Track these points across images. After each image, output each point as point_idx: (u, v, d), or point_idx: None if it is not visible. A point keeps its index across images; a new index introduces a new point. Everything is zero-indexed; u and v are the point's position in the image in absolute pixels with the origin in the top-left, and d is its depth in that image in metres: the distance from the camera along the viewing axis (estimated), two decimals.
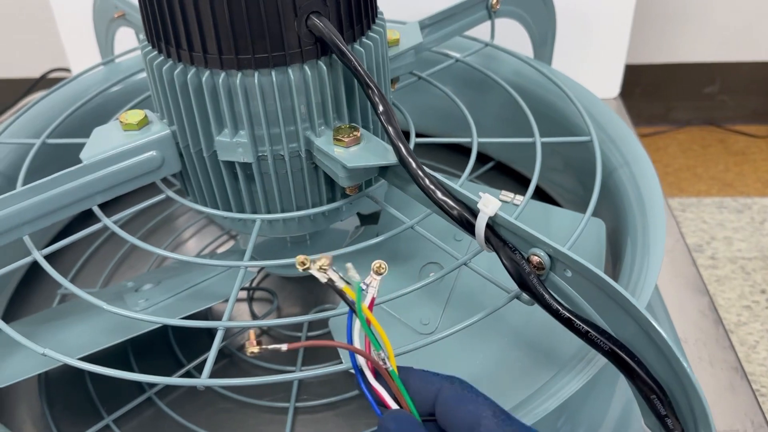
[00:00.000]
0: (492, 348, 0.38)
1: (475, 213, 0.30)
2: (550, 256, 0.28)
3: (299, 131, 0.34)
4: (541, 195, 0.57)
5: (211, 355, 0.30)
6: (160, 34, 0.33)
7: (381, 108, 0.32)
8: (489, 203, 0.29)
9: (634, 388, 0.26)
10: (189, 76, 0.33)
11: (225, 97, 0.33)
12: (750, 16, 0.90)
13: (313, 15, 0.31)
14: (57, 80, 1.12)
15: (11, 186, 0.48)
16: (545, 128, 0.46)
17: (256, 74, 0.32)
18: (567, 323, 0.26)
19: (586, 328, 0.26)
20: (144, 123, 0.35)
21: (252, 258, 0.35)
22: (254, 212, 0.37)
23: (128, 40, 0.58)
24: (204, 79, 0.32)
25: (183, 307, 0.38)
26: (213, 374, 0.29)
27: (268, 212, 0.37)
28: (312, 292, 0.52)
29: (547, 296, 0.27)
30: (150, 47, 0.35)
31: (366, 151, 0.33)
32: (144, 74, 0.52)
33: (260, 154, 0.35)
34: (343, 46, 0.31)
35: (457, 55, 0.51)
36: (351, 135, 0.33)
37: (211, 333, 0.46)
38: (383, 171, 0.35)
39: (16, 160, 0.49)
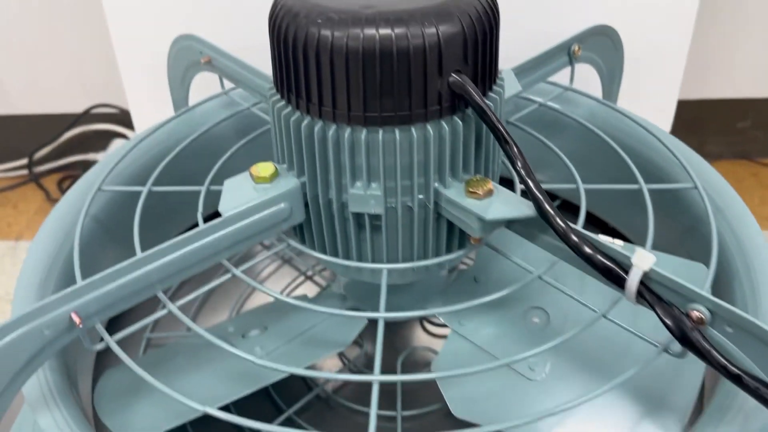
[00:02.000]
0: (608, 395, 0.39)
1: (624, 267, 0.31)
2: (710, 310, 0.28)
3: (430, 183, 0.35)
4: (617, 236, 0.57)
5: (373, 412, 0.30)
6: (300, 93, 0.34)
7: (520, 163, 0.33)
8: (644, 259, 0.30)
9: None
10: (331, 132, 0.33)
11: (365, 153, 0.33)
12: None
13: (454, 73, 0.32)
14: (100, 116, 1.14)
15: (109, 234, 0.49)
16: (622, 172, 0.47)
17: (396, 131, 0.33)
18: (735, 380, 0.27)
19: (755, 384, 0.27)
20: (275, 176, 0.36)
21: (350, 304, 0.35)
22: (373, 261, 0.38)
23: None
24: (346, 135, 0.33)
25: (304, 355, 0.38)
26: (309, 419, 0.29)
27: (388, 261, 0.38)
28: (398, 334, 0.52)
29: (714, 353, 0.27)
30: (279, 98, 0.36)
31: (502, 204, 0.34)
32: (228, 121, 0.54)
33: (389, 205, 0.35)
34: (483, 104, 0.32)
35: (540, 100, 0.52)
36: (485, 187, 0.34)
37: (305, 378, 0.47)
38: (510, 221, 0.35)
39: (110, 207, 0.49)
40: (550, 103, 0.52)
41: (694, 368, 0.37)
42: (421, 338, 0.51)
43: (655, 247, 0.54)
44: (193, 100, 0.58)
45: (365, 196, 0.35)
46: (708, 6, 0.68)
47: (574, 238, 0.31)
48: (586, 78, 0.56)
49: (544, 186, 0.40)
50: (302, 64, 0.33)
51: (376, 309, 0.45)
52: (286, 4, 0.34)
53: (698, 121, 0.91)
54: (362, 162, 0.34)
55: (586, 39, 0.52)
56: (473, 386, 0.40)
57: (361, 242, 0.37)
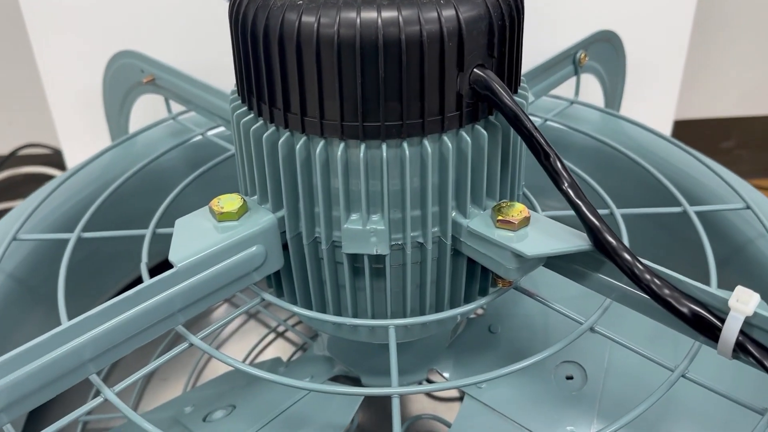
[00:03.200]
0: None
1: (716, 313, 0.23)
2: None
3: (447, 213, 0.27)
4: None
5: None
6: (273, 99, 0.25)
7: (567, 182, 0.25)
8: (746, 299, 0.22)
9: None
10: (318, 150, 0.25)
11: (363, 175, 0.25)
12: (765, 71, 0.89)
13: (477, 68, 0.25)
14: (28, 157, 1.02)
15: (31, 294, 0.39)
16: (638, 191, 0.41)
17: (404, 144, 0.25)
18: None
19: None
20: (244, 210, 0.28)
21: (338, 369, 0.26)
22: (373, 316, 0.30)
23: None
24: (338, 153, 0.25)
25: None
26: None
27: (392, 315, 0.29)
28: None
29: None
30: (245, 109, 0.27)
31: (544, 235, 0.26)
32: (177, 150, 0.45)
33: (394, 243, 0.27)
34: (516, 106, 0.25)
35: (545, 116, 0.45)
36: (519, 215, 0.26)
37: None
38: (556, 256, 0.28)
39: (32, 260, 0.40)
40: (553, 121, 0.45)
41: None
42: (423, 404, 0.43)
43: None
44: (134, 127, 0.49)
45: (364, 232, 0.27)
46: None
47: (649, 277, 0.24)
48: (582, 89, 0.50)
49: (555, 214, 0.33)
50: (277, 63, 0.25)
51: (372, 373, 0.36)
52: None
53: (682, 140, 0.87)
54: (360, 187, 0.26)
55: (589, 46, 0.46)
56: None
57: (358, 292, 0.29)
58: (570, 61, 0.45)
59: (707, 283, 0.27)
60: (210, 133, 0.45)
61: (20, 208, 0.40)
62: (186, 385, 0.45)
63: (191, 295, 0.26)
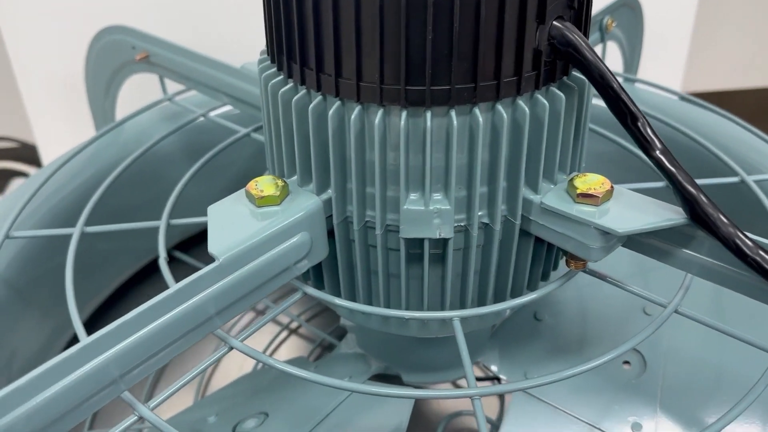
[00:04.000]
0: None
1: None
2: None
3: (519, 187, 0.24)
4: None
5: None
6: (317, 62, 0.22)
7: (659, 147, 0.22)
8: None
9: None
10: (377, 120, 0.22)
11: (429, 148, 0.22)
12: (754, 44, 0.88)
13: (557, 21, 0.22)
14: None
15: (22, 299, 0.35)
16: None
17: (476, 110, 0.22)
18: None
19: None
20: (285, 194, 0.24)
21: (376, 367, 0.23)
22: (429, 307, 0.26)
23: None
24: (402, 122, 0.22)
25: None
26: None
27: (451, 306, 0.26)
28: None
29: None
30: (282, 77, 0.24)
31: (630, 209, 0.23)
32: (174, 136, 0.41)
33: (457, 225, 0.24)
34: (602, 64, 0.22)
35: None
36: (602, 188, 0.23)
37: None
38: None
39: (19, 262, 0.35)
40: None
41: None
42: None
43: None
44: (120, 114, 0.45)
45: (426, 214, 0.23)
46: None
47: (755, 250, 0.21)
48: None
49: (636, 186, 0.30)
50: (331, 13, 0.21)
51: (413, 370, 0.33)
52: None
53: None
54: (423, 162, 0.23)
55: (614, 11, 0.43)
56: None
57: (411, 281, 0.26)
58: (597, 28, 0.42)
59: None
60: (213, 113, 0.40)
61: (3, 204, 0.36)
62: (198, 390, 0.41)
63: (234, 293, 0.22)
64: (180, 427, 0.32)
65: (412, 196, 0.24)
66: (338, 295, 0.27)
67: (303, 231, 0.24)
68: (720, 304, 0.33)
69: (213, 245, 0.22)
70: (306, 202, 0.24)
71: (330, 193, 0.24)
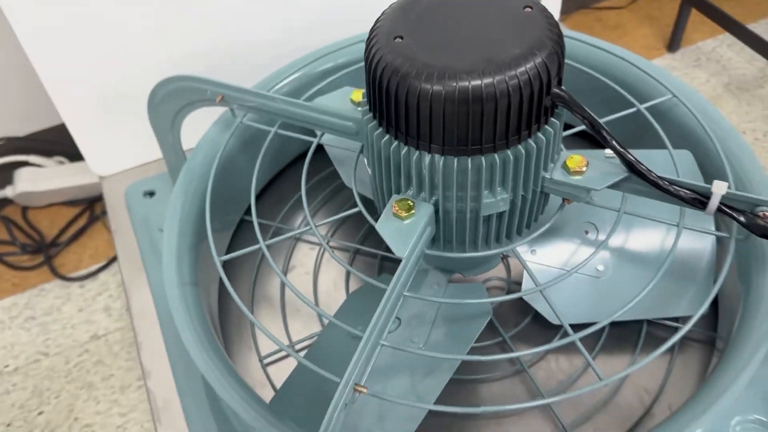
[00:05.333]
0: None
1: (706, 194, 0.42)
2: None
3: (540, 176, 0.43)
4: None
5: None
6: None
7: (616, 142, 0.42)
8: (720, 186, 0.41)
9: None
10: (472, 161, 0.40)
11: (499, 172, 0.41)
12: None
13: (555, 89, 0.40)
14: None
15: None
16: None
17: (520, 147, 0.40)
18: None
19: None
20: (412, 210, 0.42)
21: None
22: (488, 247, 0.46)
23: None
24: (483, 160, 0.40)
25: (466, 333, 0.47)
26: None
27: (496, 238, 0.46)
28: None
29: None
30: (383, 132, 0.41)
31: (600, 173, 0.43)
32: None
33: (512, 200, 0.43)
34: (586, 111, 0.40)
35: None
36: (584, 163, 0.43)
37: None
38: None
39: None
40: None
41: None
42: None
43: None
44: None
45: (495, 202, 0.42)
46: None
47: (666, 183, 0.42)
48: None
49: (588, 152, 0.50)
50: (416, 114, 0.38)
51: (456, 269, 0.54)
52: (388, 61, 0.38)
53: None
54: (496, 179, 0.41)
55: None
56: (556, 297, 0.52)
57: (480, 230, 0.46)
58: None
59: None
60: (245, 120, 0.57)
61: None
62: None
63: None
64: (339, 339, 0.52)
65: (487, 192, 0.42)
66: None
67: (429, 226, 0.42)
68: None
69: (398, 251, 0.40)
70: (426, 213, 0.42)
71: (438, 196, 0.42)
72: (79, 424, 0.68)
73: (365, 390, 0.37)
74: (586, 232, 0.55)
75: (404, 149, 0.41)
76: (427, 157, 0.40)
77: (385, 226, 0.42)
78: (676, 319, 0.56)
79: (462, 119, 0.37)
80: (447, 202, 0.43)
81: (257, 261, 0.63)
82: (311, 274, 0.63)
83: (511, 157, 0.40)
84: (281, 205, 0.67)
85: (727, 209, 0.42)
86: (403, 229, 0.42)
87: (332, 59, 0.63)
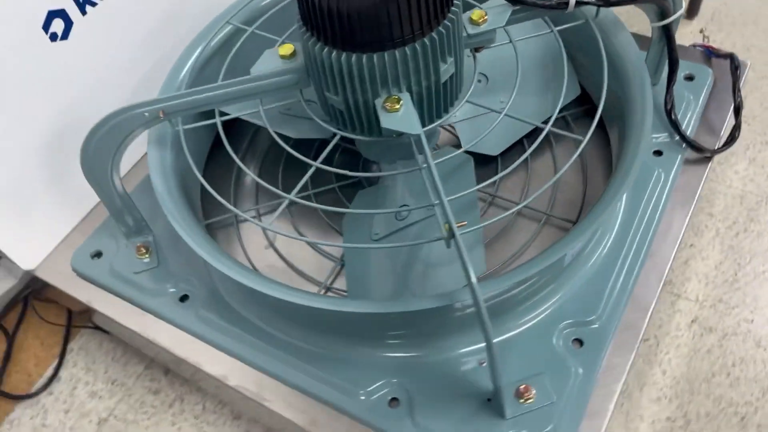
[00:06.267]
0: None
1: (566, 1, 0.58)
2: None
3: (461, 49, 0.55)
4: None
5: None
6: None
7: None
8: None
9: None
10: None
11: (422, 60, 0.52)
12: None
13: None
14: None
15: None
16: None
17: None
18: None
19: None
20: (401, 101, 0.52)
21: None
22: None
23: None
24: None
25: (461, 181, 0.59)
26: None
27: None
28: None
29: None
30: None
31: (495, 15, 0.57)
32: None
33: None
34: None
35: None
36: (483, 14, 0.56)
37: None
38: None
39: None
40: None
41: None
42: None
43: None
44: None
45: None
46: None
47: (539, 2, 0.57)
48: None
49: None
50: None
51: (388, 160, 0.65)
52: None
53: None
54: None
55: None
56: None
57: None
58: None
59: None
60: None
61: None
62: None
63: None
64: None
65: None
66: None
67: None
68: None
69: (413, 129, 0.50)
70: (407, 97, 0.52)
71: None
72: None
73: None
74: (479, 81, 0.70)
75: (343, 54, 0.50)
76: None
77: (390, 120, 0.51)
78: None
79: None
80: (415, 85, 0.53)
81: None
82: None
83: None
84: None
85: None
86: (403, 116, 0.51)
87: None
